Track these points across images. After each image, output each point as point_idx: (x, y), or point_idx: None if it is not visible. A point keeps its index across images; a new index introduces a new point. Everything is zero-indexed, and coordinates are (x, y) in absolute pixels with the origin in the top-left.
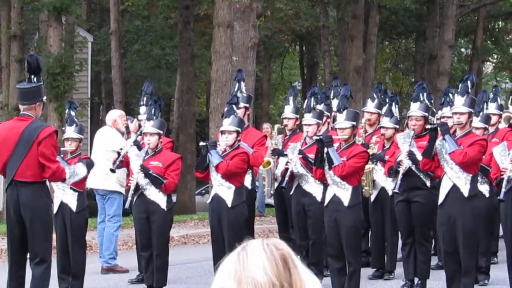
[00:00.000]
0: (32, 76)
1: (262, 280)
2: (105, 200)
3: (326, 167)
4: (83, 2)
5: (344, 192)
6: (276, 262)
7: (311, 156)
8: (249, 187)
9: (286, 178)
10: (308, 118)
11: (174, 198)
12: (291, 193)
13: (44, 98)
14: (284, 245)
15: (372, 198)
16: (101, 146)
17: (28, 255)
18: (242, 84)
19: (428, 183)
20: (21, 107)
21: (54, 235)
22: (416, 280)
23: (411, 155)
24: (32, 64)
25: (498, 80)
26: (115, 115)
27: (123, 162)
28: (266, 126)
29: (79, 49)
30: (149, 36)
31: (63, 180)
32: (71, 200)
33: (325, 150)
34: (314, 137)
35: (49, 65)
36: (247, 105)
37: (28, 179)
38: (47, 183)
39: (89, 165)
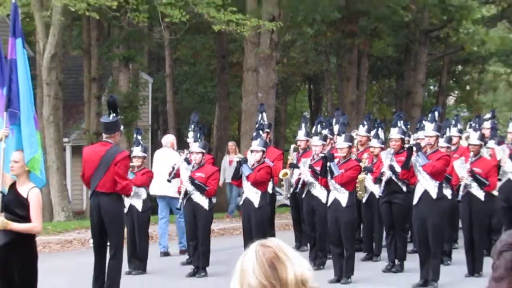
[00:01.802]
0: (112, 112)
1: (253, 283)
2: (166, 203)
3: (329, 177)
4: (145, 52)
5: (342, 196)
6: (263, 265)
7: (318, 168)
8: (271, 192)
9: (299, 185)
10: (316, 140)
11: (214, 200)
12: (303, 196)
13: (122, 127)
14: (273, 243)
15: (364, 200)
16: (162, 162)
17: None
18: (264, 114)
19: (404, 189)
20: (103, 135)
21: (125, 229)
22: (396, 261)
23: (391, 168)
24: (112, 103)
25: (458, 110)
26: (171, 139)
27: (176, 174)
28: (230, 143)
29: (142, 88)
30: (195, 78)
31: (128, 195)
32: (138, 203)
33: (328, 164)
34: (320, 154)
35: (119, 101)
36: (269, 130)
37: (106, 191)
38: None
39: (150, 178)
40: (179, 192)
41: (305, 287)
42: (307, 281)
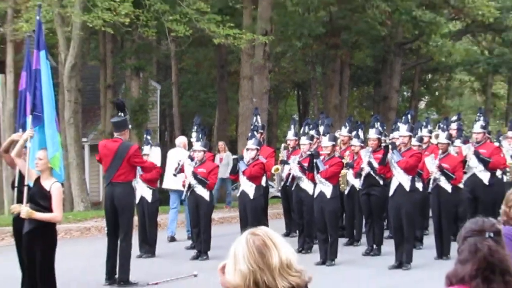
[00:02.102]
0: (119, 112)
1: (243, 268)
2: (178, 195)
3: (315, 172)
4: (154, 62)
5: (327, 188)
6: (253, 252)
7: (306, 164)
8: (264, 185)
9: (289, 179)
10: (304, 140)
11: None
12: (292, 189)
13: (130, 126)
14: (262, 231)
15: (346, 192)
16: (175, 160)
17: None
18: (258, 117)
19: (381, 182)
20: (114, 133)
21: (136, 218)
22: (374, 246)
23: (370, 164)
24: (119, 104)
25: (428, 113)
26: (183, 140)
27: (181, 170)
28: (220, 143)
29: (151, 94)
30: (197, 85)
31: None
32: (148, 194)
33: (315, 160)
34: (308, 152)
35: (131, 105)
36: (262, 131)
37: (121, 181)
38: (132, 183)
39: (158, 173)
40: (184, 185)
41: (290, 270)
42: (292, 264)
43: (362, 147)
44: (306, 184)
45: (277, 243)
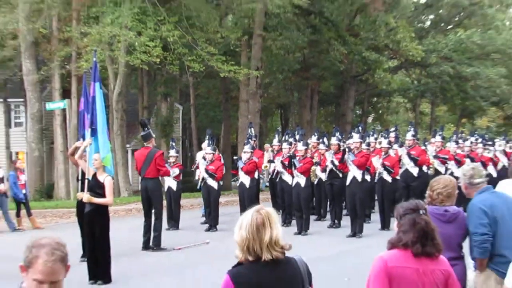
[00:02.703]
0: (143, 128)
1: (243, 234)
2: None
3: (293, 168)
4: (178, 90)
5: (302, 180)
6: (252, 226)
7: (286, 163)
8: (257, 177)
9: (275, 173)
10: (285, 145)
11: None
12: (277, 180)
13: (154, 135)
14: (264, 211)
15: (315, 182)
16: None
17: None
18: (252, 129)
19: (340, 175)
20: (144, 143)
21: (164, 202)
22: (336, 221)
23: (332, 162)
24: (142, 123)
25: (374, 125)
26: (205, 145)
27: (197, 167)
28: (266, 145)
29: (175, 113)
30: (208, 106)
31: (168, 175)
32: (173, 185)
33: (293, 160)
34: (287, 154)
35: (161, 121)
36: (255, 139)
37: (151, 176)
38: (160, 178)
39: (179, 169)
40: (198, 178)
41: (276, 246)
42: (278, 242)
43: (326, 150)
44: (286, 177)
45: (272, 223)
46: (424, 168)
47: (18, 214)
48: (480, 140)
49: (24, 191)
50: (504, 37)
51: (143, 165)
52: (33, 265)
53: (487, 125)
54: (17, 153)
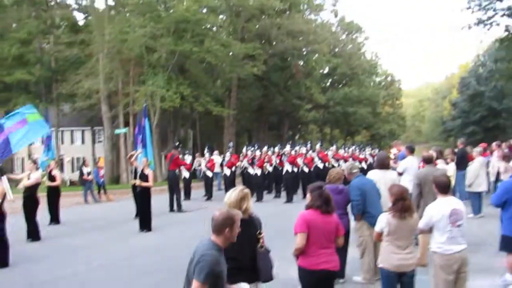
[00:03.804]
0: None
1: (232, 199)
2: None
3: (254, 164)
4: (190, 122)
5: (258, 171)
6: (236, 197)
7: (250, 162)
8: (233, 170)
9: (243, 168)
10: (249, 152)
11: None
12: (245, 172)
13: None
14: (246, 190)
15: (266, 172)
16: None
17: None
18: (231, 143)
19: (280, 168)
20: (172, 151)
21: (181, 185)
22: (278, 194)
23: (275, 161)
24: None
25: (298, 141)
26: (216, 152)
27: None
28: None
29: (189, 135)
30: (207, 131)
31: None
32: (186, 174)
33: (253, 160)
34: (250, 157)
35: (181, 139)
36: (232, 148)
37: (171, 169)
38: (176, 170)
39: (190, 166)
40: (201, 169)
41: (248, 212)
42: (247, 210)
43: (272, 155)
44: (251, 170)
45: (248, 199)
46: (327, 164)
47: (98, 192)
48: (357, 148)
49: (102, 179)
50: (371, 91)
51: (168, 162)
52: None
53: (361, 140)
54: (99, 158)
